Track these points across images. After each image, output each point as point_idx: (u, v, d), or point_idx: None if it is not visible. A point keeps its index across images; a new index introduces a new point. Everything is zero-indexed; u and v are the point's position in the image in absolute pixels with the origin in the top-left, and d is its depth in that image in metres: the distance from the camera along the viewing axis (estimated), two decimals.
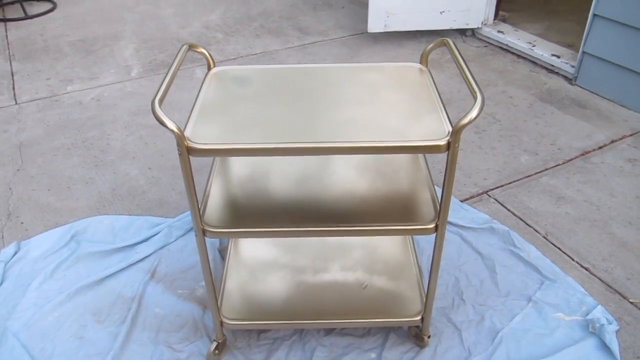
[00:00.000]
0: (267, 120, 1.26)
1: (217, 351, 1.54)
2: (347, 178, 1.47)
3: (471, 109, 1.15)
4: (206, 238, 1.33)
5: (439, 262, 1.41)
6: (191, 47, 1.43)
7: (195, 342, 1.62)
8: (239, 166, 1.53)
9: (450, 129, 1.21)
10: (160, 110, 1.15)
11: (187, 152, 1.17)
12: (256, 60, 3.36)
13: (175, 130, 1.14)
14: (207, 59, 1.49)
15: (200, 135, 1.20)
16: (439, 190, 1.50)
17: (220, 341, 1.55)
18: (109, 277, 1.84)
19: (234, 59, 3.39)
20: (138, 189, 2.27)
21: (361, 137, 1.19)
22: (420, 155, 1.56)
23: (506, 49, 3.44)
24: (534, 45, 3.29)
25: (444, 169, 1.25)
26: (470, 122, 1.15)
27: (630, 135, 2.58)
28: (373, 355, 1.60)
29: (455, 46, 1.38)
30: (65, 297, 1.75)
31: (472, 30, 3.62)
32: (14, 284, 1.82)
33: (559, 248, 1.96)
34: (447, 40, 1.42)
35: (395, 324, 1.55)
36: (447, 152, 1.19)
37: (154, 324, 1.68)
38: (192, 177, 1.22)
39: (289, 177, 1.47)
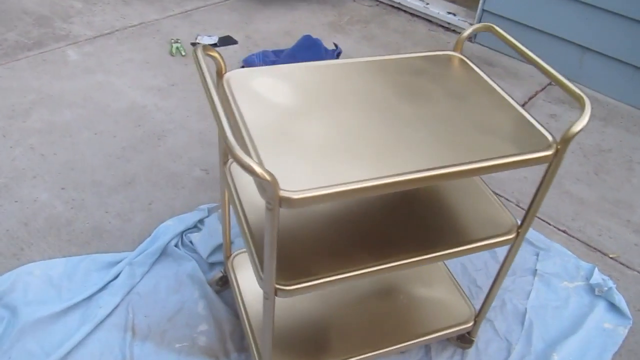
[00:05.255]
0: (344, 143, 1.01)
1: None
2: (406, 203, 1.28)
3: (582, 115, 1.05)
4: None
5: (509, 267, 1.32)
6: (205, 50, 1.08)
7: None
8: None
9: (551, 137, 1.09)
10: (246, 156, 0.84)
11: (279, 204, 0.89)
12: (139, 32, 2.84)
13: (269, 179, 0.85)
14: (219, 63, 1.14)
15: (286, 178, 0.91)
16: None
17: None
18: (76, 348, 1.42)
19: (109, 33, 2.82)
20: (60, 219, 1.78)
21: (456, 158, 1.01)
22: None
23: (399, 7, 3.39)
24: (427, 3, 3.29)
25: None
26: (582, 130, 1.05)
27: (542, 90, 2.74)
28: None
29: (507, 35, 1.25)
30: None
31: None
32: None
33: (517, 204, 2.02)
34: (493, 27, 1.28)
35: (451, 335, 1.44)
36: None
37: None
38: (277, 234, 0.94)
39: (345, 205, 1.23)
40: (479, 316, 1.45)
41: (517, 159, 1.04)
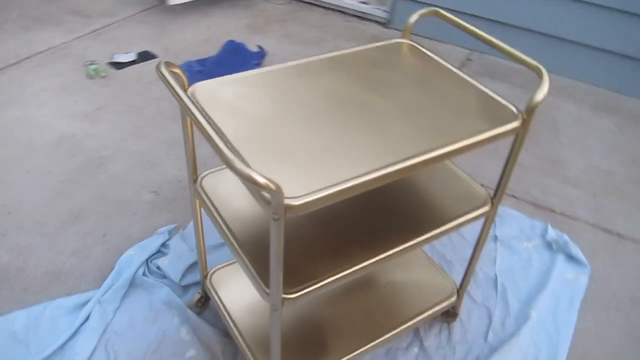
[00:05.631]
0: (328, 144, 1.01)
1: None
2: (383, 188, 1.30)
3: (542, 84, 1.11)
4: None
5: (487, 238, 1.38)
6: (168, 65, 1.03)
7: None
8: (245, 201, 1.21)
9: (515, 109, 1.15)
10: (247, 168, 0.81)
11: (284, 213, 0.87)
12: (49, 58, 2.66)
13: (274, 188, 0.83)
14: (180, 78, 1.10)
15: (284, 185, 0.89)
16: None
17: None
18: None
19: (16, 63, 2.62)
20: (9, 269, 1.64)
21: (438, 142, 1.04)
22: None
23: (312, 3, 3.41)
24: None
25: None
26: (543, 99, 1.11)
27: (463, 67, 2.87)
28: (416, 349, 1.52)
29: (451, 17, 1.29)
30: None
31: None
32: None
33: (480, 184, 2.11)
34: (439, 11, 1.32)
35: (438, 312, 1.48)
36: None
37: None
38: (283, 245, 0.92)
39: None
40: (461, 288, 1.50)
41: (491, 134, 1.09)
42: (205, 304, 1.55)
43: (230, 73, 2.57)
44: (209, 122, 0.89)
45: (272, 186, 0.82)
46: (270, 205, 0.86)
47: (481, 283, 1.72)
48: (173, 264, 1.64)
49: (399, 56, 1.31)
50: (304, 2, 3.43)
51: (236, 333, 1.36)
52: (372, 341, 1.38)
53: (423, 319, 1.45)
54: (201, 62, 2.65)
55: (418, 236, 1.18)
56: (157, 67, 1.02)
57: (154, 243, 1.70)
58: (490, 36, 1.22)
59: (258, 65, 2.67)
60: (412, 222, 1.21)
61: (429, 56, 1.32)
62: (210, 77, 2.68)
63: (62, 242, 1.74)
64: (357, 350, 1.35)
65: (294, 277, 1.05)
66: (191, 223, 1.83)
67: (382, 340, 1.39)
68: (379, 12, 3.20)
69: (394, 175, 0.96)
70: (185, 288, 1.62)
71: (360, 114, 1.10)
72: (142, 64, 2.67)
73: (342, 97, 1.14)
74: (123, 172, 2.03)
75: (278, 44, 2.95)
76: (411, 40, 1.38)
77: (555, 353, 1.53)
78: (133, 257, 1.65)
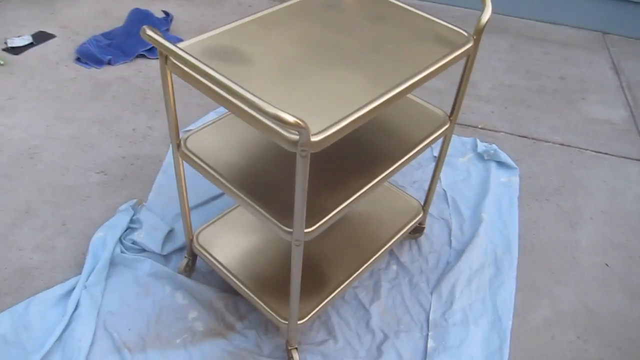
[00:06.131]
0: (321, 84, 1.08)
1: None
2: None
3: (486, 7, 1.24)
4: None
5: (446, 154, 1.54)
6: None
7: None
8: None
9: (465, 33, 1.29)
10: (275, 108, 0.87)
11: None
12: None
13: (302, 124, 0.89)
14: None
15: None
16: None
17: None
18: None
19: None
20: None
21: (411, 70, 1.15)
22: None
23: None
24: None
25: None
26: (488, 21, 1.25)
27: None
28: (394, 266, 1.68)
29: None
30: None
31: None
32: None
33: None
34: None
35: (410, 229, 1.63)
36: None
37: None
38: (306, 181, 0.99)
39: None
40: (425, 205, 1.66)
41: (453, 56, 1.21)
42: (192, 267, 1.58)
43: (141, 41, 2.57)
44: (219, 73, 0.92)
45: (302, 123, 0.89)
46: (298, 143, 0.92)
47: (434, 200, 1.90)
48: (150, 235, 1.63)
49: None
50: None
51: (238, 283, 1.42)
52: (361, 266, 1.50)
53: (399, 237, 1.60)
54: (107, 35, 2.53)
55: (397, 160, 1.30)
56: (143, 31, 1.01)
57: (121, 220, 1.68)
58: None
59: (168, 31, 2.60)
60: (389, 149, 1.33)
61: None
62: (121, 49, 2.58)
63: (20, 239, 1.66)
64: (351, 276, 1.47)
65: (308, 212, 1.13)
66: (151, 195, 1.82)
67: (369, 264, 1.51)
68: None
69: (390, 101, 1.07)
70: (167, 257, 1.63)
71: (336, 54, 1.18)
72: (40, 45, 2.49)
73: (313, 41, 1.21)
74: (61, 159, 1.94)
75: (180, 8, 2.87)
76: None
77: (509, 244, 1.76)
78: (105, 237, 1.63)
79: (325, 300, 1.38)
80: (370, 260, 1.52)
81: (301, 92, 1.07)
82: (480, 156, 2.08)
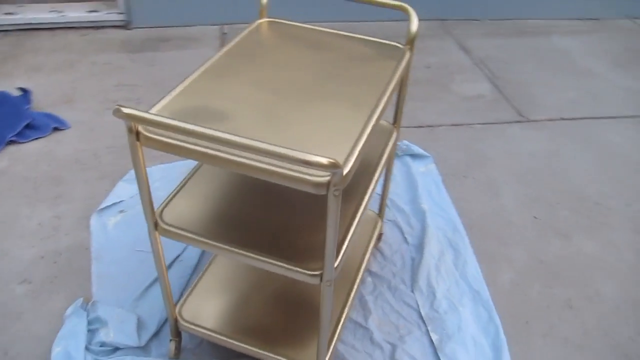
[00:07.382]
0: (304, 119, 1.09)
1: None
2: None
3: (412, 19, 1.33)
4: None
5: (394, 157, 1.61)
6: None
7: None
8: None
9: (400, 45, 1.37)
10: (307, 153, 0.86)
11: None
12: None
13: (336, 162, 0.88)
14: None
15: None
16: None
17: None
18: None
19: None
20: None
21: (376, 89, 1.21)
22: None
23: (30, 29, 3.03)
24: (62, 12, 3.04)
25: None
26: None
27: (167, 41, 2.98)
28: (369, 278, 1.71)
29: None
30: None
31: None
32: None
33: None
34: None
35: (376, 243, 1.68)
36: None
37: None
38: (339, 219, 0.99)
39: None
40: (381, 212, 1.73)
41: (402, 67, 1.29)
42: (180, 347, 1.46)
43: (6, 126, 2.35)
44: (234, 134, 0.88)
45: (337, 162, 0.88)
46: (330, 183, 0.92)
47: (375, 205, 1.97)
48: (121, 330, 1.47)
49: (276, 36, 1.39)
50: (21, 30, 3.02)
51: (243, 345, 1.34)
52: (351, 290, 1.51)
53: (371, 250, 1.64)
54: None
55: (369, 184, 1.34)
56: (116, 112, 0.93)
57: (77, 326, 1.48)
58: None
59: (30, 108, 2.34)
60: (360, 176, 1.37)
61: (300, 26, 1.44)
62: None
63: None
64: (347, 302, 1.47)
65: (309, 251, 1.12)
66: (94, 288, 1.63)
67: (358, 285, 1.54)
68: (113, 16, 3.05)
69: (378, 120, 1.10)
70: (145, 348, 1.48)
71: (300, 90, 1.18)
72: None
73: (271, 82, 1.20)
74: None
75: (31, 81, 2.60)
76: (269, 18, 1.46)
77: (454, 226, 1.90)
78: (67, 350, 1.42)
79: (336, 335, 1.37)
80: (357, 280, 1.54)
81: (294, 134, 1.05)
82: (395, 154, 2.20)
